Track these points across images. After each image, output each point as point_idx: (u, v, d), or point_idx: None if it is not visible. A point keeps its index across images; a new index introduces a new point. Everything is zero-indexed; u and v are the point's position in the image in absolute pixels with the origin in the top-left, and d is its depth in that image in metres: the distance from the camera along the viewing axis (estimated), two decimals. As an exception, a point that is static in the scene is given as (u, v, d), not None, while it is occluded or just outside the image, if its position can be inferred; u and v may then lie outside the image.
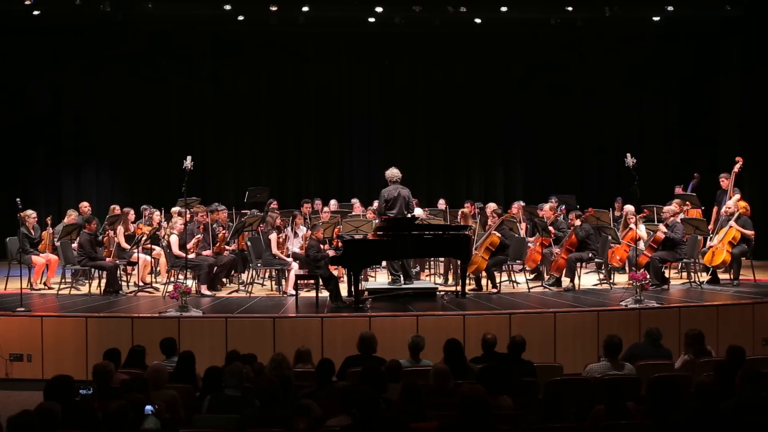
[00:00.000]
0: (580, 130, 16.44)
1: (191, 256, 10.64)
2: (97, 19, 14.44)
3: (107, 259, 10.92)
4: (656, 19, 14.88)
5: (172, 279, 11.26)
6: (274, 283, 11.39)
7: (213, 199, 13.26)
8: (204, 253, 10.81)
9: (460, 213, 11.95)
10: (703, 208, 12.64)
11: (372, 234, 10.64)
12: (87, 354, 8.58)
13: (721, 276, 11.31)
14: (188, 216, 11.30)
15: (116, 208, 12.28)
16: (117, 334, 8.57)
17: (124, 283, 11.14)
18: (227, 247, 11.23)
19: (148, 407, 4.89)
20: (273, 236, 10.97)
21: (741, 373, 5.23)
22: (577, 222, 10.95)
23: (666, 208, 11.10)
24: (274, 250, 10.90)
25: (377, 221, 11.04)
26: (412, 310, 9.27)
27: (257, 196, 13.66)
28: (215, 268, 10.92)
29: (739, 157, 12.32)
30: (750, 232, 11.01)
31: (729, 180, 12.17)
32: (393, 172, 10.74)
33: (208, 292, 10.58)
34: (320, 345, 8.42)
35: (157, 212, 12.16)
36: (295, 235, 11.38)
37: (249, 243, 11.15)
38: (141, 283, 11.10)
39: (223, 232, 11.31)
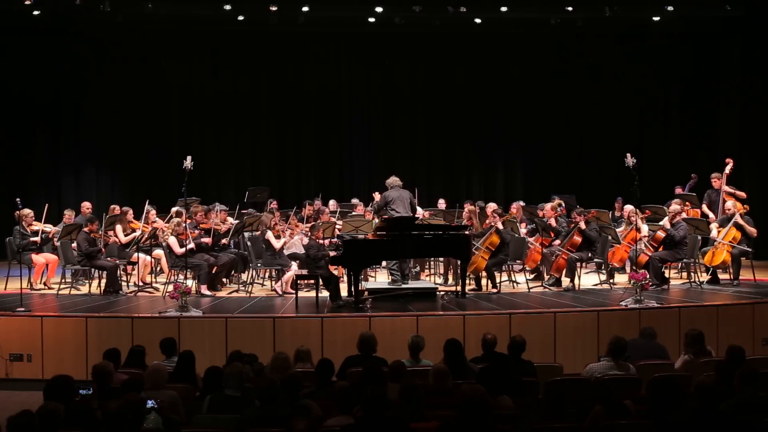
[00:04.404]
0: (580, 130, 16.45)
1: (191, 246, 10.60)
2: (97, 19, 14.44)
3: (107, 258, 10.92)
4: (656, 19, 14.87)
5: (172, 279, 11.25)
6: (274, 283, 11.39)
7: (213, 199, 13.27)
8: (204, 240, 10.80)
9: (465, 212, 11.91)
10: (703, 207, 12.64)
11: (372, 234, 10.65)
12: (87, 354, 8.57)
13: (721, 276, 11.31)
14: (185, 217, 11.30)
15: (116, 208, 12.25)
16: (117, 334, 8.57)
17: (124, 283, 11.14)
18: (223, 228, 11.26)
19: (150, 401, 4.89)
20: (269, 235, 10.94)
21: (740, 372, 5.23)
22: (583, 226, 10.88)
23: (672, 208, 11.11)
24: (277, 246, 10.87)
25: (377, 221, 11.04)
26: (412, 310, 9.26)
27: (257, 196, 13.66)
28: (215, 268, 10.92)
29: (729, 158, 12.44)
30: (753, 230, 11.02)
31: (720, 180, 12.24)
32: (393, 179, 10.83)
33: (208, 292, 10.58)
34: (320, 345, 8.41)
35: (153, 210, 12.05)
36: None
37: (249, 243, 11.14)
38: (141, 283, 11.10)
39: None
